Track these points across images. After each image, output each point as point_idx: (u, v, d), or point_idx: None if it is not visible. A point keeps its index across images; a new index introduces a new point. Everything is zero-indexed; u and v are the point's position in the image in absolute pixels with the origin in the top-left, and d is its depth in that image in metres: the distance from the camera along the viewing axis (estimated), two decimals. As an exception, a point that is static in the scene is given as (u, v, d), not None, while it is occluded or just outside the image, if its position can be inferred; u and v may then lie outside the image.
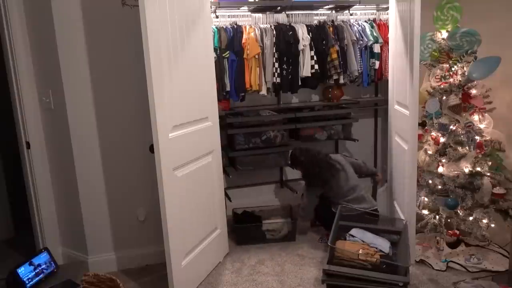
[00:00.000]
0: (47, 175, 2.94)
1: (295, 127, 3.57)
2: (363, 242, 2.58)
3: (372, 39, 3.52)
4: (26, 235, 3.29)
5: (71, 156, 2.75)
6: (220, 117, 2.99)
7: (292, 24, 3.39)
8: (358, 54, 3.52)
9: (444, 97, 2.85)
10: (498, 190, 2.75)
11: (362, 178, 3.35)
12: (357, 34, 3.50)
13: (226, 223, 3.05)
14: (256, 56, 3.26)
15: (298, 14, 3.46)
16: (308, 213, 3.27)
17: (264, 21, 3.39)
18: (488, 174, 2.77)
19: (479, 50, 2.76)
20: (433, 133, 2.91)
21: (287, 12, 3.43)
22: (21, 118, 2.82)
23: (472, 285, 2.43)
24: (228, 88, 3.25)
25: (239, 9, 3.35)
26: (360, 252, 2.44)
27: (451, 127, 2.81)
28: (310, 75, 3.39)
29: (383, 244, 2.58)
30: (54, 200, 2.99)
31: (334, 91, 3.69)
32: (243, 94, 3.36)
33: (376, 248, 2.53)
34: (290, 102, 3.81)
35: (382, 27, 3.60)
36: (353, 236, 2.66)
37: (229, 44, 3.20)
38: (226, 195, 3.38)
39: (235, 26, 3.28)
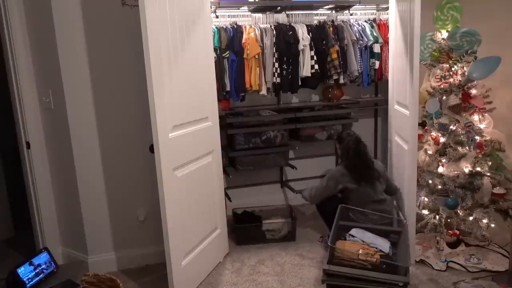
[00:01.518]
0: (47, 175, 2.94)
1: (295, 127, 3.57)
2: (363, 242, 2.58)
3: (372, 39, 3.52)
4: (26, 235, 3.29)
5: (71, 156, 2.75)
6: (220, 117, 2.99)
7: (292, 24, 3.39)
8: (358, 54, 3.52)
9: (444, 97, 2.85)
10: (498, 190, 2.75)
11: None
12: (357, 34, 3.50)
13: (226, 223, 3.05)
14: (256, 56, 3.26)
15: (298, 14, 3.46)
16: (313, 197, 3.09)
17: (264, 21, 3.39)
18: (488, 174, 2.77)
19: (479, 50, 2.76)
20: (433, 133, 2.91)
21: (287, 12, 3.43)
22: (21, 118, 2.82)
23: (472, 285, 2.43)
24: (228, 88, 3.25)
25: (239, 9, 3.35)
26: (360, 252, 2.44)
27: (451, 127, 2.81)
28: (310, 75, 3.39)
29: (383, 244, 2.58)
30: (54, 200, 2.99)
31: (334, 91, 3.69)
32: (243, 94, 3.36)
33: (376, 248, 2.54)
34: (290, 102, 3.81)
35: (382, 27, 3.60)
36: (353, 236, 2.66)
37: (229, 44, 3.20)
38: (226, 195, 3.38)
39: (235, 26, 3.28)
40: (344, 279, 2.40)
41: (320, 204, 3.13)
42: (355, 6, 3.55)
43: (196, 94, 2.62)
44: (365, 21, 3.62)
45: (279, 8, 3.36)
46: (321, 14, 3.58)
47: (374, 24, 3.59)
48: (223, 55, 3.19)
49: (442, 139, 2.85)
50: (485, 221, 2.72)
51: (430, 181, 2.88)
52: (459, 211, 2.79)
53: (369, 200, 2.90)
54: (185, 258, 2.53)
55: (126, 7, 2.62)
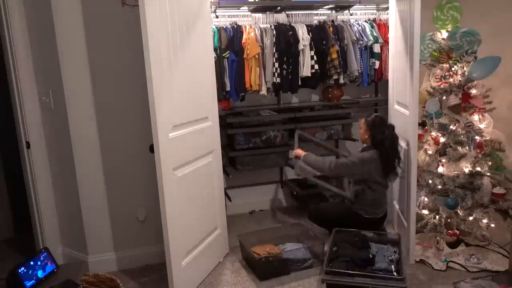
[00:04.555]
0: (47, 175, 2.94)
1: (295, 127, 3.57)
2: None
3: (372, 39, 3.52)
4: (26, 235, 3.28)
5: (71, 156, 2.75)
6: (220, 117, 2.99)
7: (292, 24, 3.39)
8: (358, 54, 3.53)
9: (444, 97, 2.86)
10: (498, 190, 2.76)
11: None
12: (357, 34, 3.50)
13: (226, 223, 3.05)
14: (256, 56, 3.26)
15: (298, 14, 3.47)
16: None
17: (264, 21, 3.40)
18: (488, 174, 2.77)
19: (479, 50, 2.76)
20: (433, 133, 2.92)
21: (287, 12, 3.44)
22: (21, 118, 2.82)
23: (472, 285, 2.43)
24: (228, 88, 3.26)
25: (239, 9, 3.35)
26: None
27: (451, 127, 2.81)
28: (310, 75, 3.39)
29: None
30: (54, 200, 2.99)
31: (334, 91, 3.69)
32: (243, 94, 3.36)
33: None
34: (290, 102, 3.81)
35: (382, 27, 3.60)
36: None
37: (229, 44, 3.21)
38: (226, 195, 3.38)
39: (235, 26, 3.28)
40: (344, 277, 2.40)
41: (316, 214, 3.07)
42: (355, 6, 3.55)
43: (196, 94, 2.62)
44: (365, 21, 3.62)
45: (279, 8, 3.36)
46: (321, 14, 3.58)
47: (374, 24, 3.59)
48: (223, 55, 3.19)
49: (442, 139, 2.85)
50: (485, 221, 2.72)
51: (430, 181, 2.88)
52: (459, 211, 2.79)
53: (383, 198, 2.87)
54: (185, 258, 2.53)
55: (126, 7, 2.62)
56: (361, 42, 3.51)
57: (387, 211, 2.96)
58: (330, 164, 2.85)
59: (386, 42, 3.50)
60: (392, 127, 2.82)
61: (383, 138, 2.75)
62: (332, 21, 3.54)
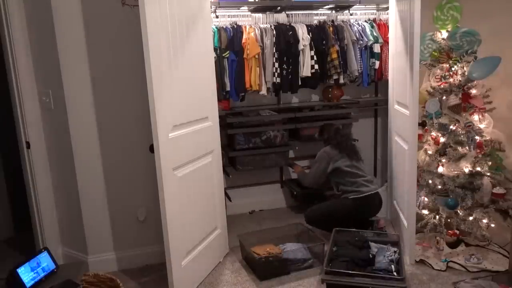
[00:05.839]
0: (47, 175, 2.94)
1: (295, 127, 3.58)
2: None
3: (372, 39, 3.52)
4: (26, 235, 3.28)
5: (71, 156, 2.75)
6: (220, 117, 2.99)
7: (292, 24, 3.39)
8: (358, 54, 3.53)
9: (444, 97, 2.86)
10: (498, 190, 2.76)
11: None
12: (357, 34, 3.50)
13: (226, 223, 3.05)
14: (256, 56, 3.26)
15: (298, 14, 3.47)
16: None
17: (264, 21, 3.40)
18: (488, 174, 2.77)
19: (479, 50, 2.76)
20: (433, 133, 2.92)
21: (287, 12, 3.44)
22: (21, 118, 2.82)
23: (472, 285, 2.43)
24: (228, 88, 3.26)
25: (239, 9, 3.35)
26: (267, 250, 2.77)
27: (451, 127, 2.81)
28: (310, 75, 3.39)
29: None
30: (54, 200, 2.99)
31: (334, 91, 3.69)
32: (243, 94, 3.37)
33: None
34: (290, 102, 3.81)
35: (382, 27, 3.61)
36: None
37: (229, 44, 3.21)
38: (226, 195, 3.38)
39: (235, 26, 3.29)
40: (344, 277, 2.40)
41: (313, 220, 3.15)
42: (355, 6, 3.55)
43: (196, 94, 2.62)
44: (365, 21, 3.62)
45: (279, 8, 3.36)
46: (321, 14, 3.58)
47: (374, 24, 3.59)
48: (223, 55, 3.19)
49: (442, 139, 2.85)
50: (485, 221, 2.72)
51: (430, 181, 2.88)
52: (459, 211, 2.79)
53: (361, 177, 3.04)
54: (185, 258, 2.53)
55: (126, 7, 2.62)
56: (361, 42, 3.51)
57: (378, 198, 3.09)
58: (309, 183, 3.27)
59: (386, 42, 3.50)
60: (336, 127, 3.30)
61: (328, 133, 3.26)
62: (332, 21, 3.54)
